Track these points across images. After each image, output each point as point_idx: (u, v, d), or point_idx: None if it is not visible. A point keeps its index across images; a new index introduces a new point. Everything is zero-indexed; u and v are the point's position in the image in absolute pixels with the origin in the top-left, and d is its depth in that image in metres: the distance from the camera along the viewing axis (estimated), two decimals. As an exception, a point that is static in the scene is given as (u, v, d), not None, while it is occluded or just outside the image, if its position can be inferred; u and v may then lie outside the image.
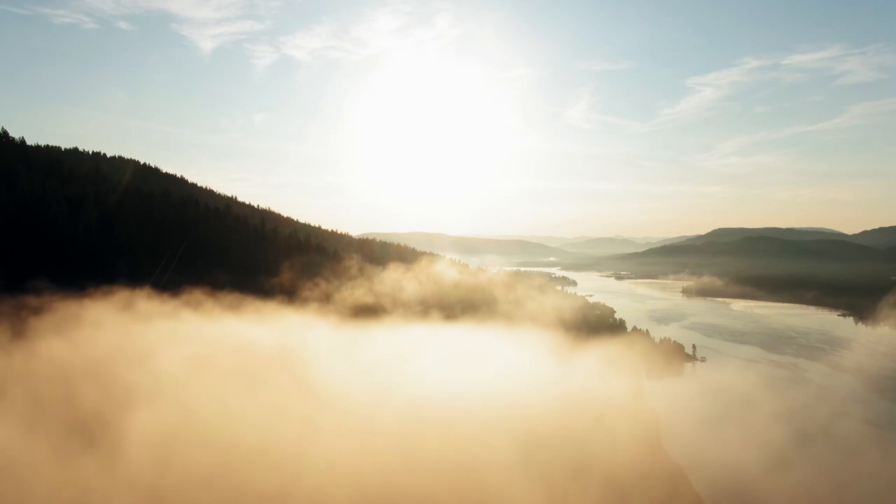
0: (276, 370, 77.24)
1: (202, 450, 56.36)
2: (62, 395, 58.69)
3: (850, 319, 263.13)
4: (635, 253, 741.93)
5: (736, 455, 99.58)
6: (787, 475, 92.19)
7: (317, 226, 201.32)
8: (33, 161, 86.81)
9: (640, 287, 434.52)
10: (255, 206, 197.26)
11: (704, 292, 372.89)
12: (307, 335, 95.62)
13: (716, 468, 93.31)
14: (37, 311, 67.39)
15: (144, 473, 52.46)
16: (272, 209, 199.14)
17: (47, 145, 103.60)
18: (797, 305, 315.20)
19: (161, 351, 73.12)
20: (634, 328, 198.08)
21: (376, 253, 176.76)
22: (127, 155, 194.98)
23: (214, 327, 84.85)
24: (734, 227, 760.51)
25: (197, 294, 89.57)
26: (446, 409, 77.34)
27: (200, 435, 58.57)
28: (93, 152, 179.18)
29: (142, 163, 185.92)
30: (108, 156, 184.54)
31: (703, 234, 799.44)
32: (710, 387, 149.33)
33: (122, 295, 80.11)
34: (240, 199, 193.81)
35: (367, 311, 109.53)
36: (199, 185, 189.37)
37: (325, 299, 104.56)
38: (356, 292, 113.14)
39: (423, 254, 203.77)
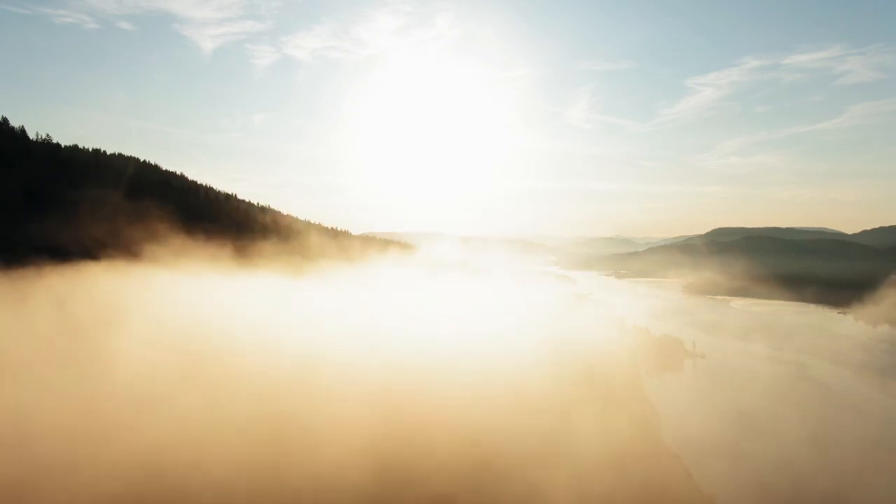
0: (274, 319, 79.66)
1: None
2: (59, 319, 60.66)
3: (850, 317, 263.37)
4: (635, 252, 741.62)
5: (735, 447, 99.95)
6: (784, 467, 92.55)
7: (317, 223, 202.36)
8: (33, 151, 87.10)
9: (641, 286, 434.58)
10: (256, 204, 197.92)
11: (704, 290, 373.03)
12: (309, 294, 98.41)
13: (715, 460, 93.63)
14: (35, 279, 68.99)
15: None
16: (272, 206, 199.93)
17: (47, 135, 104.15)
18: (797, 303, 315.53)
19: (155, 298, 75.33)
20: (634, 324, 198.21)
21: (376, 245, 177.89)
22: (127, 153, 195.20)
23: (213, 284, 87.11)
24: (734, 226, 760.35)
25: (197, 264, 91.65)
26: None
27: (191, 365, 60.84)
28: (93, 149, 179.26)
29: (142, 160, 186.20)
30: (108, 153, 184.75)
31: (703, 233, 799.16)
32: (710, 381, 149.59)
33: (121, 266, 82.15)
34: (240, 196, 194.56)
35: (367, 281, 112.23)
36: (199, 182, 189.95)
37: (325, 274, 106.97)
38: (357, 269, 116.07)
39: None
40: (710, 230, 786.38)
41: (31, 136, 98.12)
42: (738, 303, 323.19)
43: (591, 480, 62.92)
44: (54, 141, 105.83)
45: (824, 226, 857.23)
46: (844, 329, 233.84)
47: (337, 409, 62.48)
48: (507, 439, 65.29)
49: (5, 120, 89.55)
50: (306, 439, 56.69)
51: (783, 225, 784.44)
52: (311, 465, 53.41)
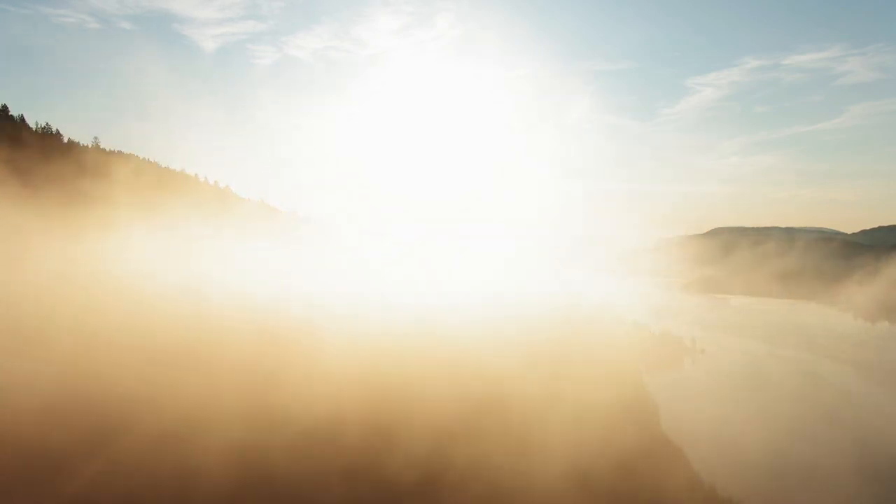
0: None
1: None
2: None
3: (849, 315, 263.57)
4: (635, 251, 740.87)
5: (734, 440, 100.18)
6: (783, 460, 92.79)
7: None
8: (33, 138, 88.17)
9: (641, 284, 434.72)
10: (255, 201, 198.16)
11: (704, 289, 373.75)
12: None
13: (714, 452, 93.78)
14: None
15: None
16: (272, 205, 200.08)
17: (47, 123, 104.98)
18: (796, 301, 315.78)
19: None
20: (635, 321, 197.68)
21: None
22: (127, 151, 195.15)
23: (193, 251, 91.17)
24: (734, 225, 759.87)
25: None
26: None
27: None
28: (92, 146, 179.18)
29: (141, 157, 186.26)
30: (108, 150, 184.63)
31: (703, 232, 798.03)
32: (710, 377, 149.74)
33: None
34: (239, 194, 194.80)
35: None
36: (198, 179, 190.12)
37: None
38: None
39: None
40: (709, 229, 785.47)
41: (31, 125, 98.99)
42: (738, 301, 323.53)
43: (590, 461, 63.19)
44: (54, 130, 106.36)
45: (824, 225, 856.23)
46: (843, 326, 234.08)
47: (336, 356, 63.79)
48: (507, 393, 66.92)
49: (5, 108, 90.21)
50: (304, 386, 57.51)
51: (783, 224, 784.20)
52: (308, 412, 54.17)
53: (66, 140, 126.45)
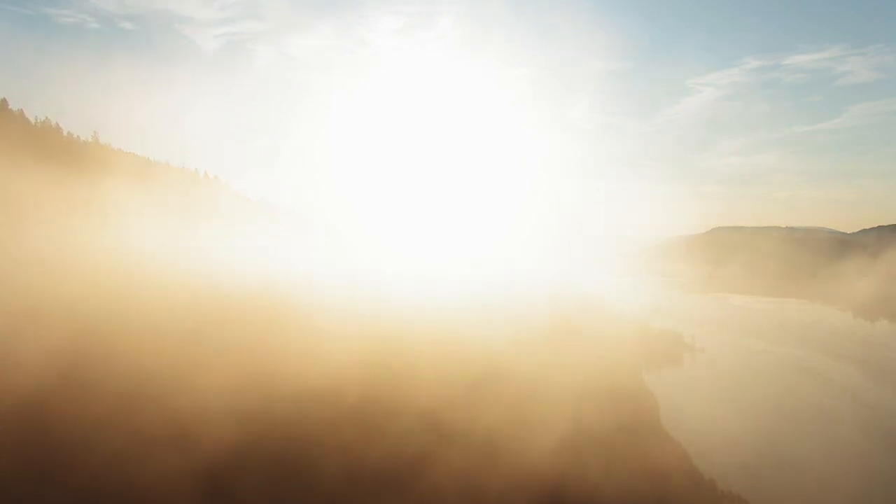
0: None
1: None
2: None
3: (849, 313, 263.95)
4: (636, 251, 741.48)
5: (732, 436, 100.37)
6: (781, 455, 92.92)
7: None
8: (32, 131, 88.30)
9: (641, 284, 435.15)
10: (256, 199, 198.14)
11: (704, 287, 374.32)
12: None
13: (713, 447, 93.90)
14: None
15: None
16: (273, 202, 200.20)
17: (46, 117, 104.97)
18: (796, 300, 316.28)
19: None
20: (634, 319, 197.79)
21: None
22: (126, 149, 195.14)
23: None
24: (734, 225, 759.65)
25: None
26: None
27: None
28: (91, 140, 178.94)
29: (140, 154, 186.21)
30: (107, 146, 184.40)
31: (703, 232, 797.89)
32: (709, 374, 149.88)
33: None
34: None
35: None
36: (198, 174, 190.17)
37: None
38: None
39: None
40: (710, 229, 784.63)
41: (31, 119, 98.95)
42: (738, 300, 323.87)
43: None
44: (53, 124, 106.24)
45: (824, 225, 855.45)
46: (843, 324, 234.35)
47: (331, 332, 64.52)
48: (507, 379, 67.80)
49: (5, 101, 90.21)
50: (305, 362, 57.84)
51: (783, 224, 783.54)
52: (309, 386, 54.44)
53: (65, 134, 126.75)
